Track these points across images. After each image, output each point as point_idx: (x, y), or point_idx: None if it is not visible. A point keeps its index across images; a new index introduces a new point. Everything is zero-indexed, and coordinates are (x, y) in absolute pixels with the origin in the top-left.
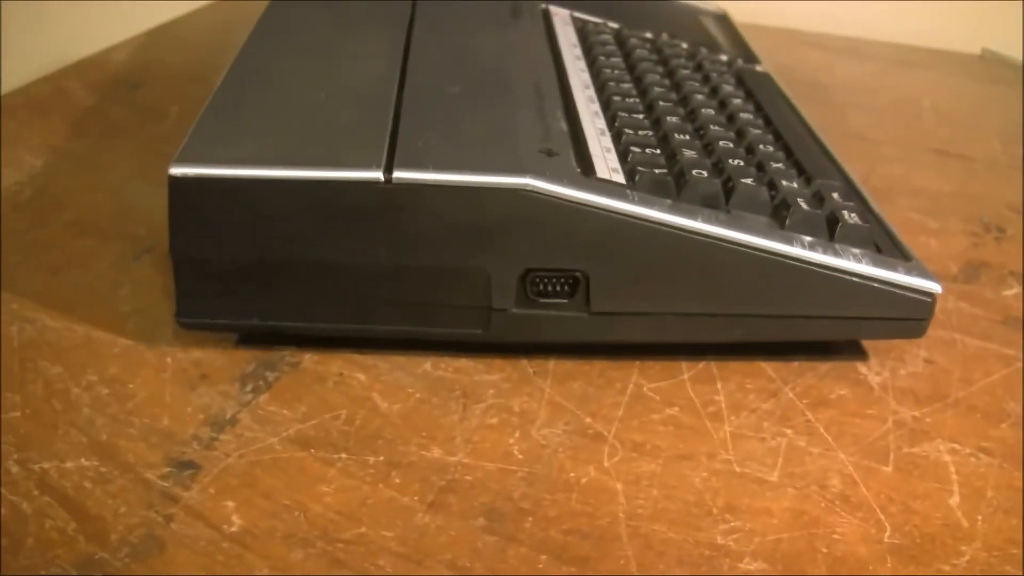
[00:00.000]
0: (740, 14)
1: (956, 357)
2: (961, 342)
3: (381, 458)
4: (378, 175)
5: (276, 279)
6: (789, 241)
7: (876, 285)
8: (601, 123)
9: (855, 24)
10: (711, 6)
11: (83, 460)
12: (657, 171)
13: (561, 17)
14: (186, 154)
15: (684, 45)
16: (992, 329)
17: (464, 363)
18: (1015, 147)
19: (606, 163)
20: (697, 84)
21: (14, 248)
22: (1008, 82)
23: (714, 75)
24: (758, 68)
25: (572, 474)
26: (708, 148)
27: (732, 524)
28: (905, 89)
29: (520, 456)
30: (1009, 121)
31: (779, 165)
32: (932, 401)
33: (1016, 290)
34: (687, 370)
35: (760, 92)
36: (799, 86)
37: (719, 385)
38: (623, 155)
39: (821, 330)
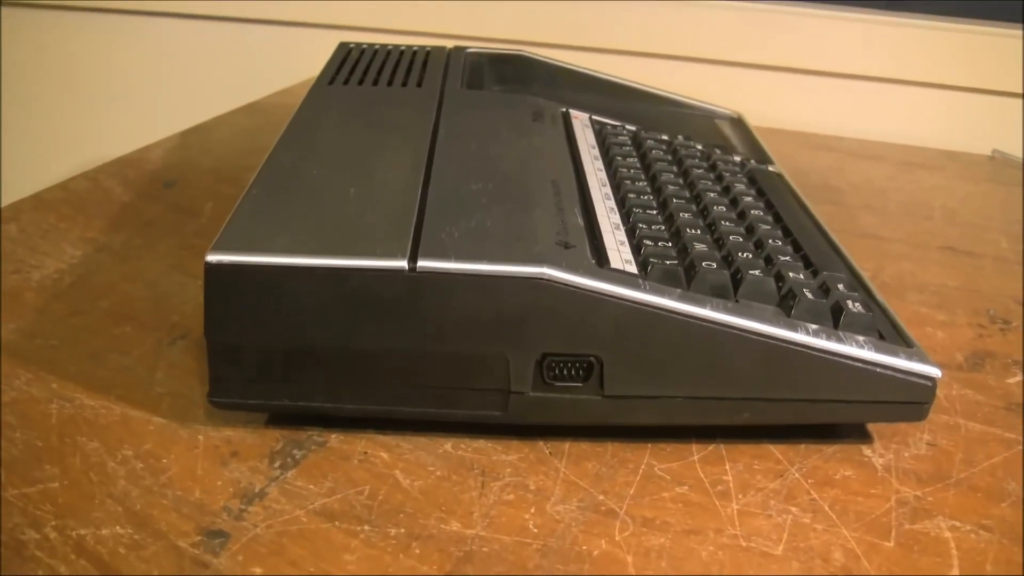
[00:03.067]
0: (755, 118)
1: (959, 440)
2: (964, 426)
3: (402, 530)
4: (403, 264)
5: (305, 362)
6: (794, 328)
7: (878, 370)
8: (616, 218)
9: (868, 127)
10: (727, 110)
11: (118, 528)
12: (668, 262)
13: (580, 120)
14: (222, 243)
15: (699, 146)
16: (995, 414)
17: (483, 444)
18: (1021, 244)
19: (620, 255)
20: (710, 182)
21: (55, 333)
22: (1016, 182)
23: (727, 174)
24: (770, 168)
25: (585, 547)
26: (718, 242)
27: None
28: (915, 190)
29: (535, 530)
30: (1016, 220)
31: (787, 258)
32: (934, 481)
33: (1019, 378)
34: (697, 452)
35: (771, 191)
36: (812, 187)
37: (728, 466)
38: (636, 248)
39: (825, 413)
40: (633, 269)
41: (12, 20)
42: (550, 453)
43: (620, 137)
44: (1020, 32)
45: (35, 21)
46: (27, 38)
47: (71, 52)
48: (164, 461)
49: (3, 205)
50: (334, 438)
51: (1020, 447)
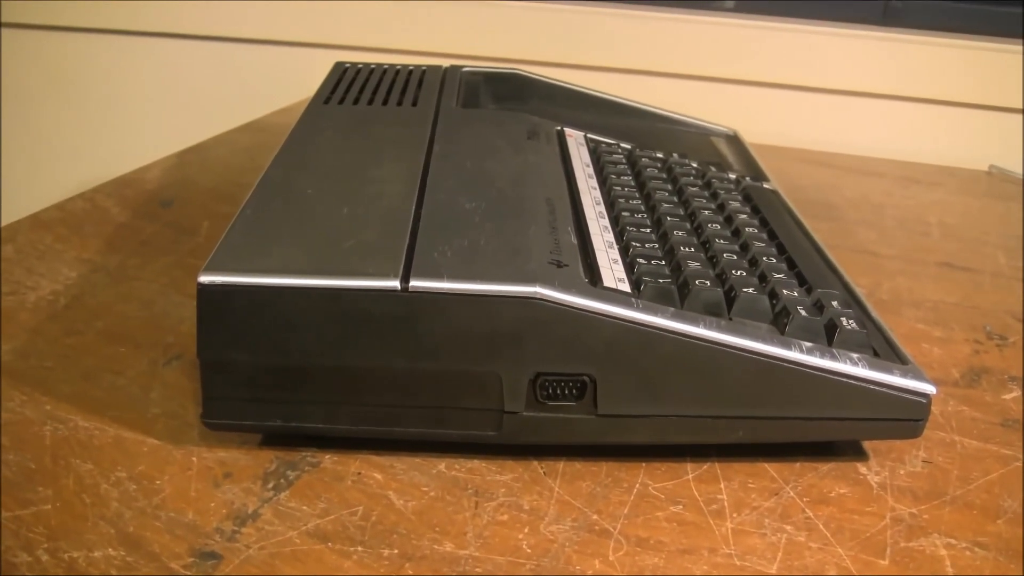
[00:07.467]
0: (752, 135)
1: (955, 457)
2: (960, 443)
3: (395, 551)
4: (395, 284)
5: (298, 383)
6: (788, 346)
7: (872, 387)
8: (610, 236)
9: (865, 144)
10: (722, 127)
11: (110, 550)
12: (662, 280)
13: (575, 138)
14: (214, 264)
15: (694, 164)
16: (991, 431)
17: (477, 464)
18: (1019, 259)
19: (613, 274)
20: (704, 200)
21: (49, 353)
22: (1014, 197)
23: (722, 192)
24: (766, 186)
25: (578, 567)
26: (712, 260)
27: None
28: (913, 206)
29: (529, 550)
30: (1014, 235)
31: (781, 276)
32: (930, 499)
33: (1016, 394)
34: (692, 470)
35: (766, 208)
36: (808, 204)
37: (722, 484)
38: (630, 266)
39: (820, 431)
40: (626, 287)
41: (12, 41)
42: (544, 473)
43: (615, 155)
44: (1017, 47)
45: (35, 42)
46: (27, 59)
47: (71, 73)
48: (158, 483)
49: (2, 225)
50: (328, 459)
51: (1017, 463)
